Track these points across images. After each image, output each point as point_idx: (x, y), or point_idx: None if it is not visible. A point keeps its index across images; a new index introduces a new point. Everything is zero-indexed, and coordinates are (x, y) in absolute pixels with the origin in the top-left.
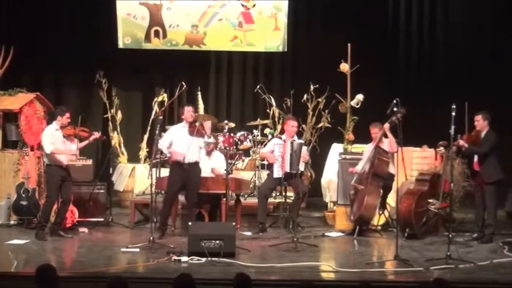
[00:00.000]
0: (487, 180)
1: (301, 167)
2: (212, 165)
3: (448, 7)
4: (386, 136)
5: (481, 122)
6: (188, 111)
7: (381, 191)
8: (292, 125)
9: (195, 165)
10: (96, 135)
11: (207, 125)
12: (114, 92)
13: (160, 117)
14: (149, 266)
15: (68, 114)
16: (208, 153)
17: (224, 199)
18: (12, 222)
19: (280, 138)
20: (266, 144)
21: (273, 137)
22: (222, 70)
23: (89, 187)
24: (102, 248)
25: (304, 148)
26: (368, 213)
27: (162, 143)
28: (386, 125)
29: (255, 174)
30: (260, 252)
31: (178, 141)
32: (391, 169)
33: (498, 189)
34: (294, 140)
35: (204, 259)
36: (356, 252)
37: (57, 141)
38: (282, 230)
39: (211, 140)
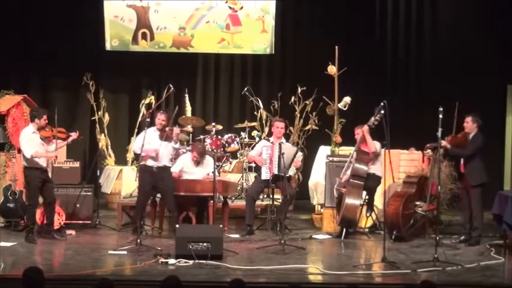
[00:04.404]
0: (472, 183)
1: (291, 172)
2: (202, 169)
3: (435, 9)
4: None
5: (470, 124)
6: (159, 118)
7: (363, 192)
8: (277, 126)
9: (165, 169)
10: (74, 135)
11: (175, 131)
12: (102, 94)
13: (148, 120)
14: (136, 269)
15: (45, 117)
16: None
17: (211, 201)
18: None
19: (268, 141)
20: (254, 146)
21: (260, 139)
22: (209, 72)
23: (76, 189)
24: (89, 250)
25: (300, 154)
26: (349, 214)
27: (135, 146)
28: (365, 127)
29: (242, 176)
30: (247, 254)
31: (150, 144)
32: (372, 169)
33: (484, 192)
34: (282, 142)
35: (191, 261)
36: (343, 254)
37: (35, 144)
38: (270, 232)
39: (177, 145)
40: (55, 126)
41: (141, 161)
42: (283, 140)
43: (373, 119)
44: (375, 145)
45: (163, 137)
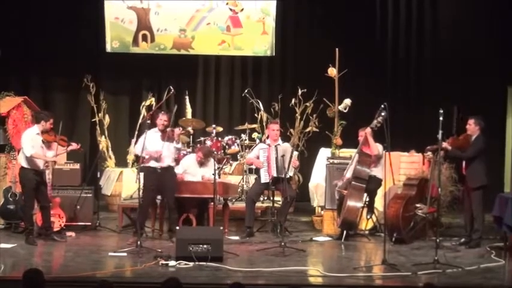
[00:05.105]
0: (472, 185)
1: (291, 172)
2: (205, 171)
3: (435, 9)
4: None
5: (472, 127)
6: (161, 119)
7: (364, 194)
8: (272, 128)
9: (168, 169)
10: (74, 146)
11: (176, 131)
12: (102, 96)
13: (148, 122)
14: (137, 271)
15: (51, 121)
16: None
17: (212, 203)
18: None
19: (265, 143)
20: (252, 149)
21: (260, 141)
22: (210, 74)
23: (77, 191)
24: (89, 252)
25: (295, 153)
26: (350, 217)
27: (137, 147)
28: (368, 130)
29: (242, 178)
30: (248, 256)
31: (152, 145)
32: (373, 171)
33: (484, 194)
34: (279, 144)
35: (191, 263)
36: (344, 256)
37: (36, 145)
38: (270, 234)
39: (179, 145)
40: (58, 133)
41: (141, 163)
42: (280, 141)
43: (375, 121)
44: (377, 148)
45: (164, 137)
